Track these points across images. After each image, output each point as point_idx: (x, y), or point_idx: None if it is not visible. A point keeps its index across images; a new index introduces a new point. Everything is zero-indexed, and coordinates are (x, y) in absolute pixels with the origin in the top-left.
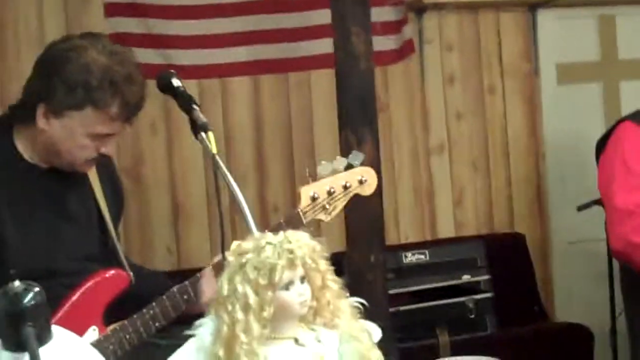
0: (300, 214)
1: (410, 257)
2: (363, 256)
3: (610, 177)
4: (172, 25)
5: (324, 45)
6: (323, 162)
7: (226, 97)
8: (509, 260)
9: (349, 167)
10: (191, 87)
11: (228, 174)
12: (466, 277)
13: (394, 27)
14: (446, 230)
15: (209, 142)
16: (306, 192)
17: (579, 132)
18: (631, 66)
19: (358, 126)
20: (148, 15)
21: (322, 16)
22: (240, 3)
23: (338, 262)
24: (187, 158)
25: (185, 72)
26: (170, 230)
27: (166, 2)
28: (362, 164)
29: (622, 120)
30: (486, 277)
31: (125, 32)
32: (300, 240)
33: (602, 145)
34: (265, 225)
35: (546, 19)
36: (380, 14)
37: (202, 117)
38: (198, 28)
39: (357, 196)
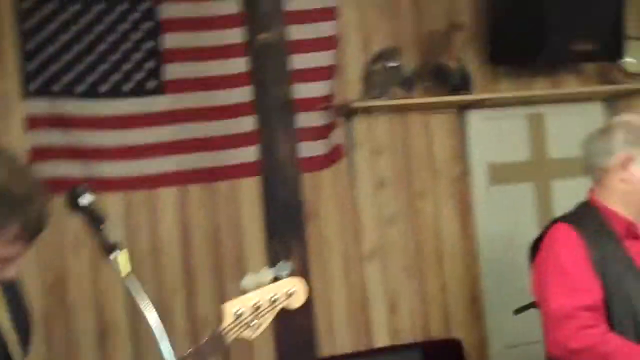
0: (224, 333)
1: None
2: None
3: (545, 280)
4: (96, 136)
5: (251, 153)
6: (248, 274)
7: (153, 209)
8: None
9: (276, 279)
10: (116, 198)
11: (140, 297)
12: None
13: (322, 132)
14: (382, 338)
15: (120, 263)
16: (230, 309)
17: (512, 233)
18: (561, 165)
19: (285, 235)
20: (71, 127)
21: (249, 123)
22: (166, 112)
23: None
24: (113, 275)
25: (110, 184)
26: (97, 351)
27: (90, 113)
28: (290, 275)
29: (555, 222)
30: None
31: (47, 145)
32: None
33: (535, 247)
34: (193, 341)
35: (476, 119)
36: (308, 119)
37: (111, 238)
38: (123, 139)
39: (286, 309)
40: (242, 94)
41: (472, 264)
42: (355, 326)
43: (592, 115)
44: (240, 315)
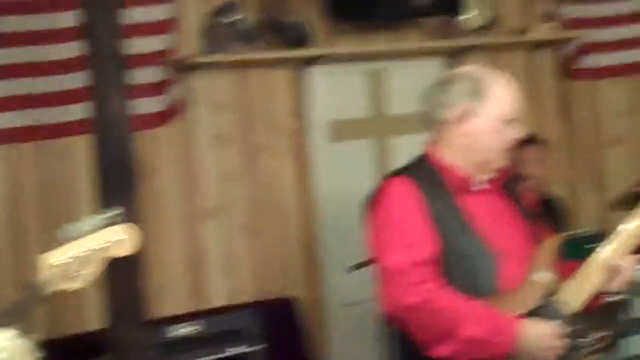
0: (40, 285)
1: (180, 330)
2: (126, 332)
3: (379, 235)
4: None
5: (83, 110)
6: (69, 225)
7: None
8: (284, 326)
9: (104, 227)
10: None
11: None
12: (239, 349)
13: (159, 89)
14: (219, 298)
15: None
16: (47, 260)
17: (351, 190)
18: (402, 122)
19: (117, 193)
20: None
21: (80, 79)
22: None
23: (99, 341)
24: None
25: None
26: None
27: None
28: (118, 223)
29: (389, 176)
30: (260, 345)
31: None
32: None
33: (370, 203)
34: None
35: (316, 75)
36: (144, 75)
37: None
38: None
39: (117, 266)
40: (74, 49)
41: (311, 222)
42: (192, 286)
43: (433, 71)
44: (60, 265)
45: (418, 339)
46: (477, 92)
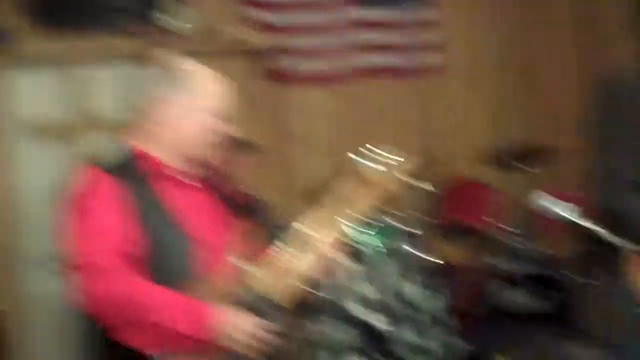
0: None
1: None
2: None
3: (69, 226)
4: None
5: None
6: None
7: None
8: None
9: None
10: None
11: None
12: None
13: None
14: None
15: None
16: None
17: (50, 190)
18: (101, 122)
19: None
20: None
21: None
22: None
23: None
24: None
25: None
26: None
27: None
28: None
29: (82, 167)
30: None
31: None
32: None
33: (62, 194)
34: None
35: (15, 76)
36: None
37: None
38: None
39: None
40: None
41: (12, 223)
42: None
43: (133, 74)
44: None
45: (110, 329)
46: (176, 81)
